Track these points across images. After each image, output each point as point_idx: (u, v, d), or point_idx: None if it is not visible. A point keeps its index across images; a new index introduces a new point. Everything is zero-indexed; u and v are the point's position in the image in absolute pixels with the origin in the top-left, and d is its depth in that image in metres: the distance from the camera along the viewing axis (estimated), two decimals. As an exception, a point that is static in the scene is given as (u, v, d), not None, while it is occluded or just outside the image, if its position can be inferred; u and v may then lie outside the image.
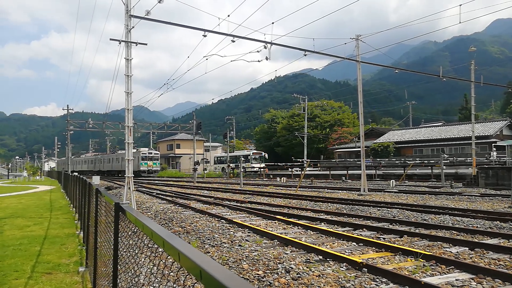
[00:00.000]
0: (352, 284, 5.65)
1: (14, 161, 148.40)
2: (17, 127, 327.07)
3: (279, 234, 9.07)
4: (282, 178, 40.49)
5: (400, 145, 51.14)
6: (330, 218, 11.90)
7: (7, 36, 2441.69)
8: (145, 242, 2.34)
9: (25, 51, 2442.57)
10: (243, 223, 10.85)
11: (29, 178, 69.64)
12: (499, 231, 9.37)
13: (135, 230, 2.51)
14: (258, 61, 19.24)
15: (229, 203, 16.94)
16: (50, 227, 11.45)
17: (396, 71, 24.60)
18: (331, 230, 9.72)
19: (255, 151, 62.06)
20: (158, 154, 60.22)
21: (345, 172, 39.89)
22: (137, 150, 56.83)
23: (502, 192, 20.42)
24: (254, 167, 54.57)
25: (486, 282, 5.65)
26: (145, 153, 56.15)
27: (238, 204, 16.32)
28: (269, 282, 5.84)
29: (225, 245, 8.48)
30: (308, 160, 47.67)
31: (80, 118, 66.82)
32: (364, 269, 6.23)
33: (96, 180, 26.83)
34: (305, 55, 19.15)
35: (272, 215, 12.65)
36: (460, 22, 18.29)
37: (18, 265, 6.94)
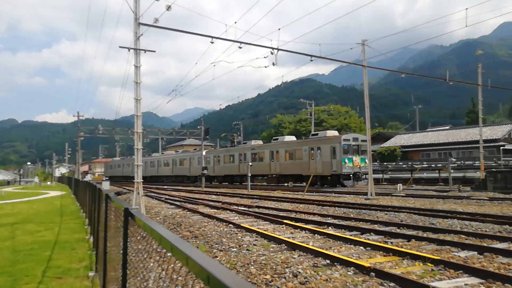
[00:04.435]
0: (359, 289, 5.64)
1: (25, 167, 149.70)
2: (28, 134, 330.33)
3: (286, 239, 9.07)
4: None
5: (407, 149, 50.76)
6: (337, 222, 11.87)
7: (19, 45, 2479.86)
8: (154, 246, 2.37)
9: (37, 59, 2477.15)
10: (251, 228, 10.87)
11: (40, 184, 70.29)
12: (508, 236, 9.27)
13: (144, 235, 2.54)
14: (265, 66, 19.40)
15: (236, 207, 16.97)
16: (61, 232, 11.58)
17: (403, 76, 24.57)
18: (339, 234, 9.71)
19: None
20: (366, 142, 27.90)
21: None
22: (326, 136, 32.39)
23: (511, 195, 20.18)
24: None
25: (495, 287, 5.61)
26: (349, 140, 30.68)
27: (246, 209, 16.34)
28: (277, 286, 5.86)
29: (233, 249, 8.51)
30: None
31: (90, 124, 67.17)
32: (371, 273, 6.21)
33: (106, 185, 27.03)
34: (312, 60, 19.22)
35: (279, 219, 12.64)
36: (466, 26, 18.30)
37: (29, 270, 7.04)
